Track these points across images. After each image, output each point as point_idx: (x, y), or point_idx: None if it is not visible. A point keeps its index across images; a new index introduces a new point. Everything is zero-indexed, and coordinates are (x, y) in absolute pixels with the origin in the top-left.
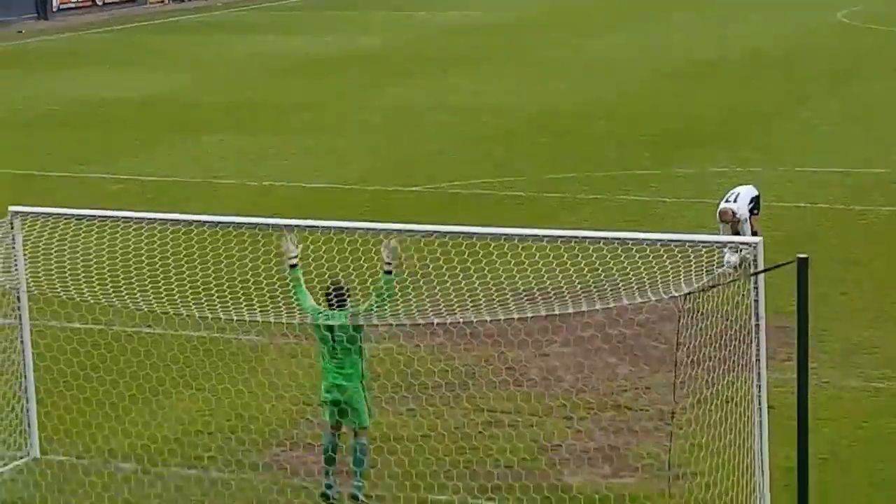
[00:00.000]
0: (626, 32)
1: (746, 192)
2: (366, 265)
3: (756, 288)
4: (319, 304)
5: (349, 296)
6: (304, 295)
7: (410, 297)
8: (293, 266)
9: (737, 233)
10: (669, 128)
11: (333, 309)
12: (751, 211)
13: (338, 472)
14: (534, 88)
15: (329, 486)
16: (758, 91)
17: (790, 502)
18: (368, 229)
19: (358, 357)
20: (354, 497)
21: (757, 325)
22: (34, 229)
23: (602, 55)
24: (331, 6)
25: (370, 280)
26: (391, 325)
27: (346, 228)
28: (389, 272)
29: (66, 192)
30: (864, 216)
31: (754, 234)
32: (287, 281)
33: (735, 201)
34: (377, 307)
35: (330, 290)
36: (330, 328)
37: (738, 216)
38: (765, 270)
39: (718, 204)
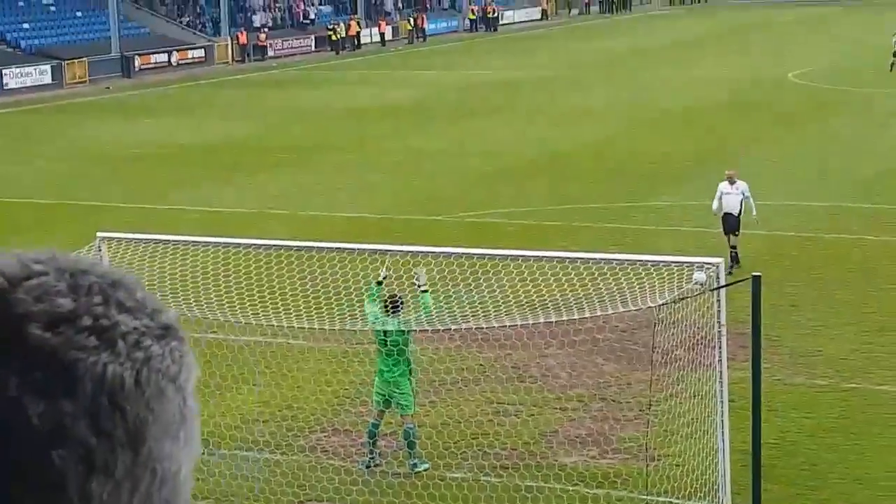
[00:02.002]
0: (610, 87)
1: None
2: (406, 282)
3: (718, 301)
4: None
5: (402, 305)
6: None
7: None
8: (424, 291)
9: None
10: (648, 167)
11: (388, 315)
12: (732, 233)
13: (377, 447)
14: (532, 135)
15: (371, 456)
16: (720, 135)
17: (746, 479)
18: (406, 252)
19: (405, 357)
20: (414, 466)
21: (719, 332)
22: (118, 253)
23: (590, 107)
24: (366, 66)
25: (410, 294)
26: (415, 330)
27: (387, 251)
28: (425, 290)
29: (146, 220)
30: (811, 241)
31: (733, 249)
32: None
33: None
34: (425, 316)
35: (387, 301)
36: (385, 332)
37: (736, 184)
38: (725, 286)
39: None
